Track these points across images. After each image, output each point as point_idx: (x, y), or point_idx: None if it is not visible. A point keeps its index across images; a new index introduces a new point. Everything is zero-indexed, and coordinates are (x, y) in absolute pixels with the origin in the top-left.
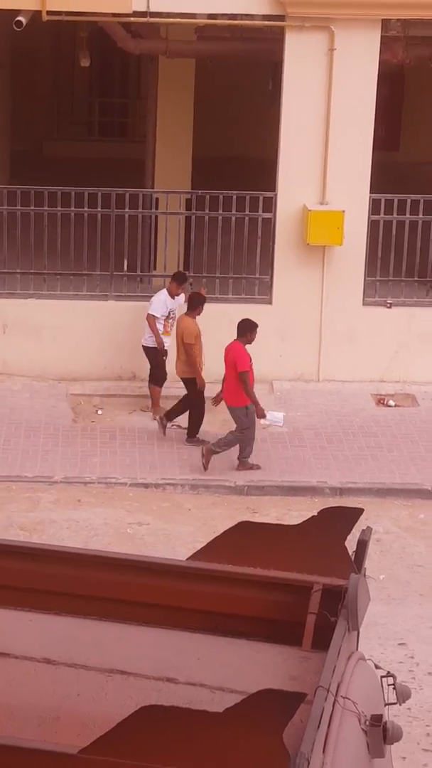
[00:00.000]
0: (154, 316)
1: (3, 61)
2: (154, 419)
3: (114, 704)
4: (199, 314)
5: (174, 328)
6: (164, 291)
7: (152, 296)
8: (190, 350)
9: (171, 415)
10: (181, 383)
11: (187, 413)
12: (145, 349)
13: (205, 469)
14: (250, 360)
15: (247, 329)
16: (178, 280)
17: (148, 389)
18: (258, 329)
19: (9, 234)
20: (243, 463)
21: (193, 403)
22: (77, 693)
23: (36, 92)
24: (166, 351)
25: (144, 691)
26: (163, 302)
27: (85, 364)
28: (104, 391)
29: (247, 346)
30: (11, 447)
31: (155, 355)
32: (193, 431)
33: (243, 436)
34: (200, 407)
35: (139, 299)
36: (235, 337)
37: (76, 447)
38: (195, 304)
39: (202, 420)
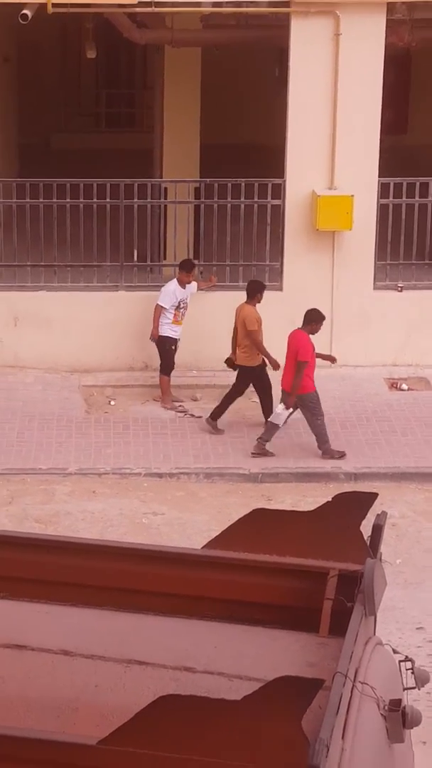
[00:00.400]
0: (161, 306)
1: (9, 54)
2: (166, 408)
3: (132, 694)
4: (258, 302)
5: (183, 317)
6: (174, 281)
7: (162, 286)
8: (255, 337)
9: (217, 413)
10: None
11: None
12: (154, 339)
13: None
14: (313, 350)
15: (313, 319)
16: (185, 268)
17: (159, 380)
18: (322, 321)
19: (19, 227)
20: (328, 452)
21: (262, 389)
22: (95, 684)
23: (43, 85)
24: (175, 341)
25: (162, 680)
26: (173, 293)
27: (97, 355)
28: (116, 382)
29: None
30: (25, 439)
31: (164, 345)
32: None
33: (320, 422)
34: (268, 390)
35: (149, 289)
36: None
37: (90, 438)
38: (254, 292)
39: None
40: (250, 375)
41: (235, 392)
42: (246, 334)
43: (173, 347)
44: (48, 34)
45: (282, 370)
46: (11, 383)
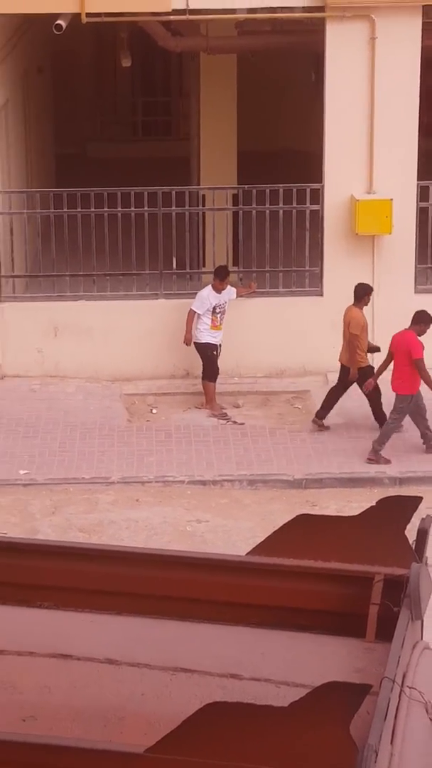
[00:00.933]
0: (194, 311)
1: (44, 64)
2: (213, 416)
3: (179, 702)
4: (366, 305)
5: (222, 322)
6: (208, 287)
7: None
8: (355, 341)
9: (322, 412)
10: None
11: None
12: (197, 345)
13: (379, 462)
14: (422, 348)
15: (422, 320)
16: (219, 276)
17: (201, 386)
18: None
19: (57, 237)
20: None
21: (371, 392)
22: (141, 693)
23: (78, 94)
24: (216, 346)
25: (208, 688)
26: (206, 298)
27: (138, 363)
28: (158, 390)
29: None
30: (67, 449)
31: (206, 351)
32: (380, 417)
33: (395, 425)
34: (376, 394)
35: (189, 297)
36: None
37: (132, 447)
38: (361, 295)
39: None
40: (362, 376)
41: (339, 393)
42: (349, 337)
43: (215, 353)
44: (82, 44)
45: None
46: (53, 393)
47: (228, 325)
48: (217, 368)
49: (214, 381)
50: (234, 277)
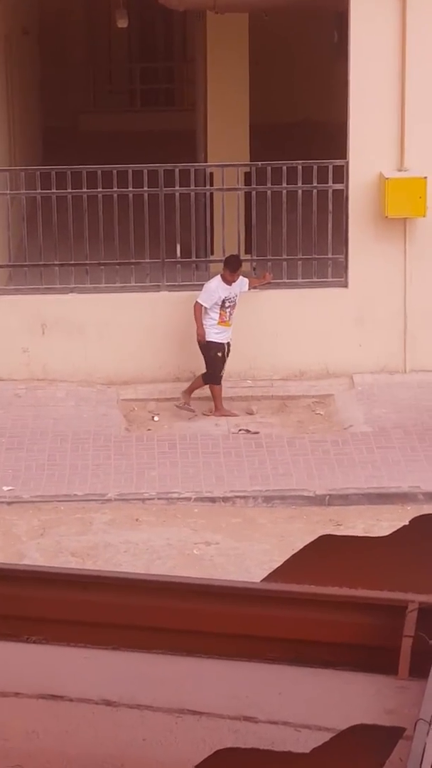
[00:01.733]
0: (201, 305)
1: (29, 26)
2: (224, 416)
3: (185, 749)
4: None
5: (231, 317)
6: (217, 278)
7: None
8: None
9: None
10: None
11: None
12: (200, 343)
13: None
14: None
15: None
16: (230, 267)
17: (210, 390)
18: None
19: (45, 221)
20: None
21: None
22: (143, 738)
23: (69, 60)
24: (222, 346)
25: (219, 732)
26: (214, 290)
27: (137, 364)
28: (160, 395)
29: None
30: (57, 462)
31: (209, 351)
32: None
33: None
34: None
35: (195, 288)
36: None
37: (131, 459)
38: None
39: None
40: None
41: None
42: None
43: (219, 353)
44: (73, 2)
45: None
46: (40, 399)
47: (240, 321)
48: (221, 372)
49: (219, 383)
50: (247, 266)
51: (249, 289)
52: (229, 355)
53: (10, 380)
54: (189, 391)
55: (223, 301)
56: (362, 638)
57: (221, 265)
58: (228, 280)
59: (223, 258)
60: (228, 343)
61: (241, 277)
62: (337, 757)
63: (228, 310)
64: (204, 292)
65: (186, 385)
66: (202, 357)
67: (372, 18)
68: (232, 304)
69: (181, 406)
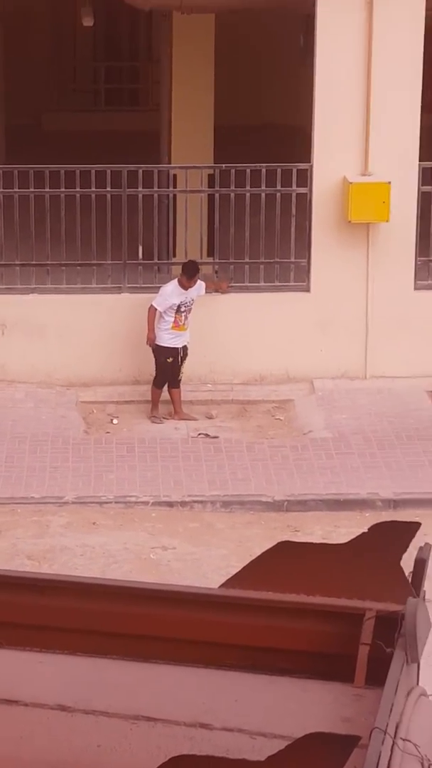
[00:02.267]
0: (155, 309)
1: None
2: (151, 419)
3: (140, 755)
4: None
5: (186, 321)
6: (174, 282)
7: None
8: None
9: None
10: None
11: None
12: (151, 347)
13: None
14: None
15: None
16: (188, 273)
17: (168, 394)
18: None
19: (6, 220)
20: None
21: None
22: (97, 744)
23: (32, 57)
24: (176, 350)
25: (174, 739)
26: (170, 294)
27: (97, 366)
28: (119, 398)
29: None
30: (15, 464)
31: (159, 356)
32: None
33: None
34: None
35: (156, 291)
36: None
37: (90, 462)
38: None
39: None
40: None
41: None
42: None
43: (170, 359)
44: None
45: None
46: None
47: (200, 325)
48: (168, 378)
49: (160, 388)
50: (209, 269)
51: (205, 292)
52: (186, 358)
53: None
54: (154, 405)
55: (179, 306)
56: (319, 646)
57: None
58: (185, 285)
59: (185, 260)
60: (184, 347)
61: (198, 281)
62: (292, 765)
63: (183, 314)
64: (159, 295)
65: (145, 389)
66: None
67: (338, 22)
68: (187, 308)
69: (153, 421)
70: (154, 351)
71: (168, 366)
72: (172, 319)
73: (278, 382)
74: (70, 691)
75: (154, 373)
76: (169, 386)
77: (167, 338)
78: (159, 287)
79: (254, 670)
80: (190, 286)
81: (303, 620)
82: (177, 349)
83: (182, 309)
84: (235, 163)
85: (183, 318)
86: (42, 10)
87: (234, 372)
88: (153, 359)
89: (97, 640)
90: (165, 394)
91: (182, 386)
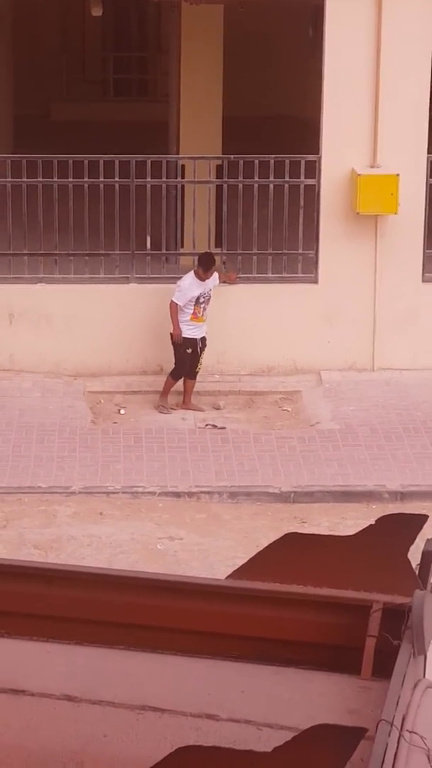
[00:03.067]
0: (176, 303)
1: (2, 12)
2: (158, 409)
3: (146, 746)
4: None
5: (205, 312)
6: (191, 274)
7: (179, 278)
8: None
9: None
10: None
11: None
12: (175, 342)
13: None
14: None
15: None
16: (204, 265)
17: (183, 384)
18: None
19: (14, 210)
20: None
21: None
22: (104, 734)
23: (41, 47)
24: (195, 341)
25: (181, 729)
26: (188, 288)
27: (105, 357)
28: (127, 388)
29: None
30: (22, 454)
31: (179, 347)
32: None
33: None
34: None
35: (164, 281)
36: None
37: (97, 452)
38: None
39: None
40: None
41: None
42: None
43: (189, 350)
44: None
45: None
46: (6, 389)
47: (210, 317)
48: (187, 369)
49: (176, 380)
50: (217, 260)
51: (219, 283)
52: (205, 349)
53: None
54: (164, 394)
55: (197, 298)
56: (326, 637)
57: (191, 258)
58: (201, 277)
59: (193, 251)
60: (203, 338)
61: (214, 272)
62: (298, 756)
63: (202, 305)
64: (178, 290)
65: (153, 379)
66: (168, 349)
67: (347, 13)
68: (206, 299)
69: (160, 410)
70: (176, 345)
71: (187, 357)
72: (191, 311)
73: (286, 374)
74: (76, 681)
75: (161, 364)
76: (185, 376)
77: (186, 329)
78: (167, 277)
79: (261, 661)
80: (207, 278)
81: (310, 612)
82: (196, 340)
83: (201, 300)
84: (243, 154)
85: (201, 309)
86: (51, 0)
87: (241, 363)
88: (161, 349)
89: (103, 630)
90: (177, 385)
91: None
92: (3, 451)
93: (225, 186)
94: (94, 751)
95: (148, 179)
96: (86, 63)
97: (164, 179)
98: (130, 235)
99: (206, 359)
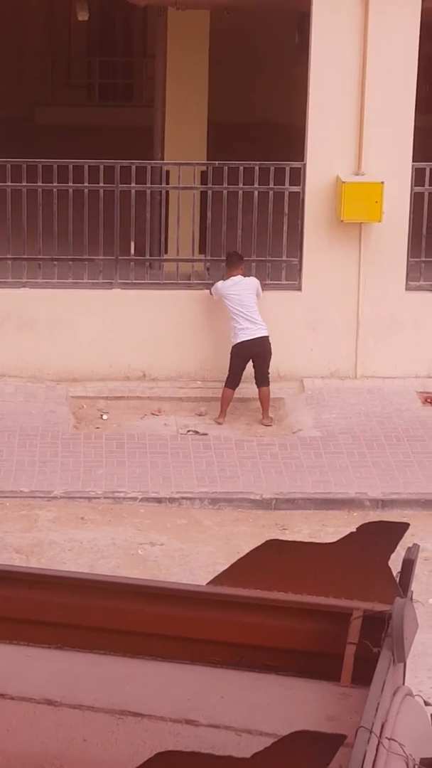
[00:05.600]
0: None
1: None
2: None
3: (126, 750)
4: None
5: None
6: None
7: (160, 283)
8: None
9: None
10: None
11: None
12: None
13: None
14: None
15: None
16: (226, 263)
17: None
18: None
19: None
20: None
21: None
22: (83, 738)
23: (27, 51)
24: (238, 346)
25: (160, 734)
26: (217, 288)
27: (88, 362)
28: (109, 393)
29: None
30: (4, 458)
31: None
32: None
33: None
34: None
35: (147, 287)
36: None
37: (79, 457)
38: None
39: None
40: None
41: None
42: None
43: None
44: None
45: None
46: None
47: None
48: (235, 374)
49: (231, 388)
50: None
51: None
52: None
53: None
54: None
55: (228, 298)
56: (306, 644)
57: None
58: (226, 276)
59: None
60: (249, 340)
61: (249, 277)
62: (277, 762)
63: (235, 306)
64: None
65: (135, 385)
66: (153, 356)
67: (333, 20)
68: (239, 301)
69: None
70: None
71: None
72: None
73: None
74: (56, 685)
75: (143, 369)
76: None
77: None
78: (150, 283)
79: (241, 668)
80: (231, 276)
81: (290, 618)
82: (237, 343)
83: (227, 300)
84: (228, 159)
85: (238, 309)
86: (37, 3)
87: (224, 369)
88: (143, 354)
89: (84, 634)
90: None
91: (173, 383)
92: None
93: (209, 192)
94: (73, 755)
95: (133, 185)
96: (72, 67)
97: (149, 185)
98: (114, 240)
99: (189, 365)
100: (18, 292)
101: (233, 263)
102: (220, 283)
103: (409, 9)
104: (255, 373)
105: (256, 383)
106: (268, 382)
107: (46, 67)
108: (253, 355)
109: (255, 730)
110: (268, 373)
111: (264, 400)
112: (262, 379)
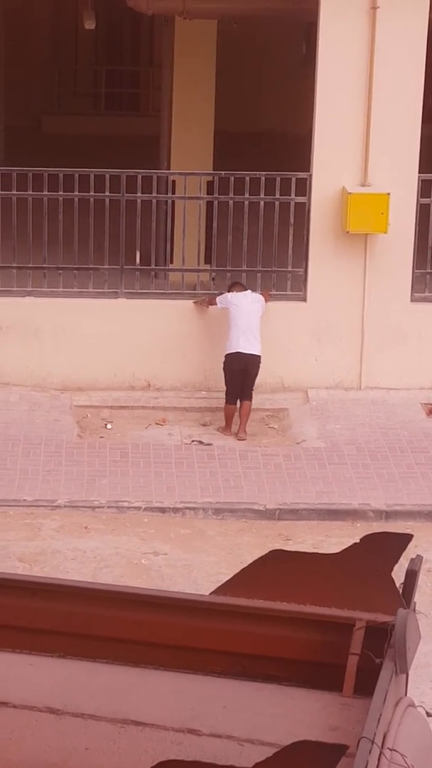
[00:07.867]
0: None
1: None
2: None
3: (128, 759)
4: None
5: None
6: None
7: (166, 293)
8: None
9: None
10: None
11: None
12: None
13: None
14: None
15: None
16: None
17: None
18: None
19: (3, 223)
20: None
21: None
22: (85, 747)
23: (33, 60)
24: (229, 358)
25: (162, 744)
26: (223, 298)
27: (92, 371)
28: (114, 402)
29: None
30: (8, 467)
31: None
32: None
33: None
34: None
35: (153, 297)
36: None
37: (83, 466)
38: None
39: None
40: None
41: None
42: None
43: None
44: (39, 1)
45: None
46: None
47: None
48: (233, 388)
49: (233, 403)
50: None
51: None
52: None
53: None
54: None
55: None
56: (309, 654)
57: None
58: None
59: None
60: (241, 353)
61: (251, 294)
62: None
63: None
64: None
65: (140, 394)
66: (157, 366)
67: (341, 30)
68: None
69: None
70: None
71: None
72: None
73: (273, 391)
74: (59, 693)
75: (148, 379)
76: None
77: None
78: (156, 293)
79: (243, 677)
80: (231, 291)
81: (293, 629)
82: (229, 354)
83: (232, 308)
84: (234, 170)
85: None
86: (44, 12)
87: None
88: (148, 364)
89: (87, 643)
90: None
91: (177, 393)
92: None
93: (215, 202)
94: (75, 763)
95: (139, 194)
96: (78, 76)
97: (154, 194)
98: (119, 249)
99: (194, 376)
100: (23, 300)
101: (237, 286)
102: (230, 294)
103: (416, 20)
104: (240, 386)
105: (239, 397)
106: (251, 396)
107: (52, 76)
108: (241, 368)
109: (257, 740)
110: (252, 389)
111: (244, 414)
112: (245, 393)
